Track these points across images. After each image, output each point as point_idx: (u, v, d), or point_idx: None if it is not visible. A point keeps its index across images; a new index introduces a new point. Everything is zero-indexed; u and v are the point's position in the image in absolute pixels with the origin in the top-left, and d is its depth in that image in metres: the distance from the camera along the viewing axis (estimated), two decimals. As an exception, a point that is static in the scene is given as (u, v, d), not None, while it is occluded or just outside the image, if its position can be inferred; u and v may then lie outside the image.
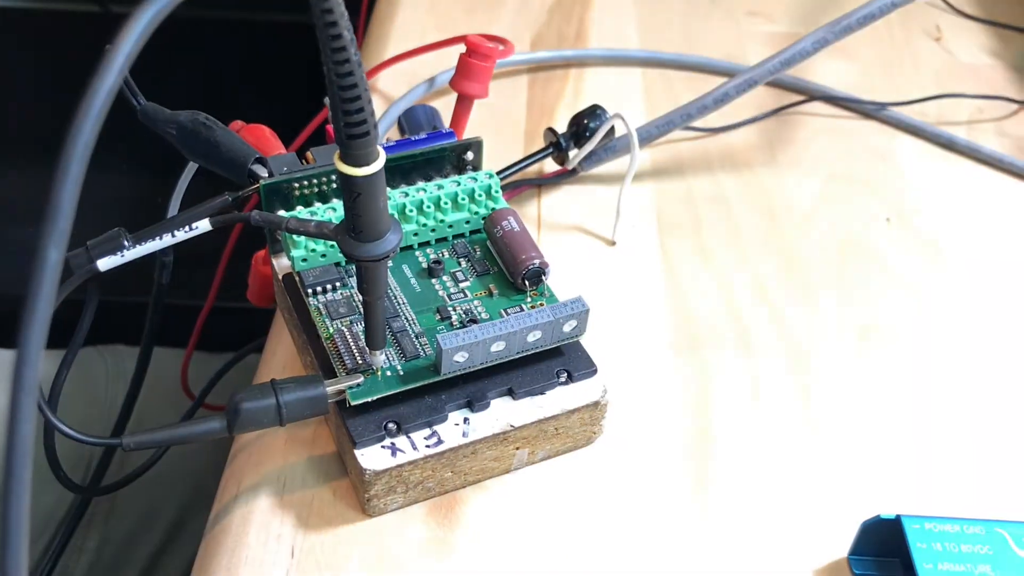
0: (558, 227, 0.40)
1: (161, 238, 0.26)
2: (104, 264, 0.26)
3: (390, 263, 0.32)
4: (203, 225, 0.26)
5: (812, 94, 0.48)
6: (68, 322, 0.33)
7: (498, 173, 0.39)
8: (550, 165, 0.42)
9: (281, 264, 0.33)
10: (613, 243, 0.39)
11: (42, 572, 0.47)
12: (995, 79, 0.50)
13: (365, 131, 0.22)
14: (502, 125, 0.45)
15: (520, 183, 0.41)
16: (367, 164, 0.23)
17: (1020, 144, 0.46)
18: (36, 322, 0.14)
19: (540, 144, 0.41)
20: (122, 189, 0.80)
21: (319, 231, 0.25)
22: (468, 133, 0.36)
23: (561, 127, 0.41)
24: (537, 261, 0.31)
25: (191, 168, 0.37)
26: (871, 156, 0.45)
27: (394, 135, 0.42)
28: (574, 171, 0.41)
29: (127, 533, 0.60)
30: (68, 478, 0.35)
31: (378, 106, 0.45)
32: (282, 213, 0.32)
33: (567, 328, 0.29)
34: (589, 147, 0.39)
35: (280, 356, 0.35)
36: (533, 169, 0.42)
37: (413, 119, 0.41)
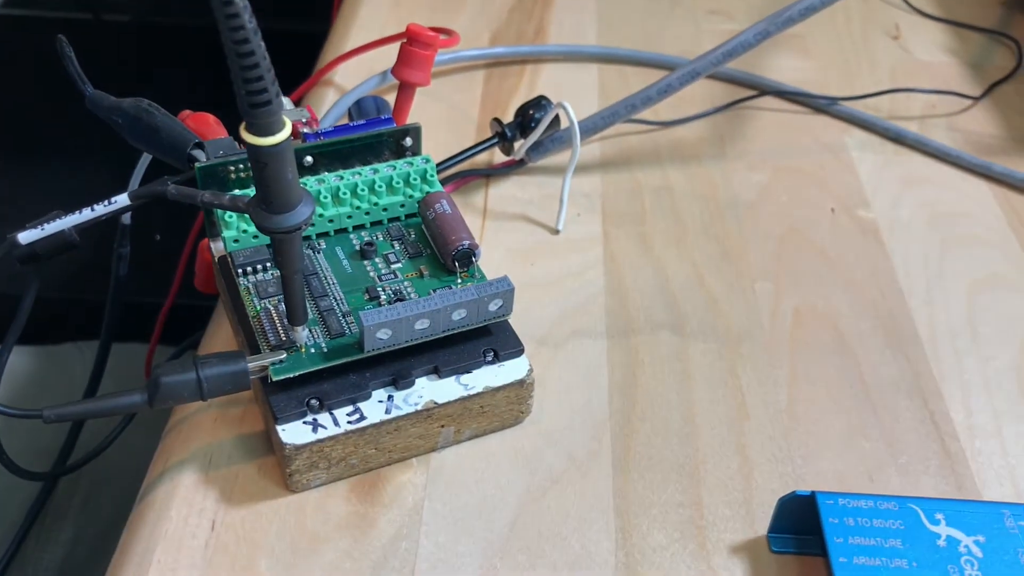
0: (504, 216, 0.40)
1: (80, 212, 0.26)
2: (25, 237, 0.27)
3: (322, 244, 0.33)
4: (121, 199, 0.27)
5: (764, 89, 0.48)
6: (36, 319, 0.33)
7: (442, 163, 0.40)
8: (500, 157, 0.42)
9: (217, 247, 0.33)
10: (557, 232, 0.39)
11: (4, 558, 0.48)
12: (950, 76, 0.51)
13: (267, 100, 0.22)
14: (455, 119, 0.46)
15: (467, 172, 0.41)
16: (271, 134, 0.23)
17: (970, 138, 0.46)
18: None
19: (491, 137, 0.42)
20: (95, 186, 0.81)
21: (233, 204, 0.26)
22: (422, 126, 0.36)
23: (509, 120, 0.41)
24: (467, 242, 0.31)
25: (145, 159, 0.38)
26: (820, 149, 0.45)
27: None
28: (522, 162, 0.41)
29: (103, 525, 0.60)
30: (16, 464, 0.36)
31: (332, 98, 0.46)
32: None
33: (492, 307, 0.30)
34: (534, 137, 0.40)
35: (219, 340, 0.35)
36: (482, 160, 0.42)
37: (363, 109, 0.41)
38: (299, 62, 0.56)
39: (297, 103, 0.46)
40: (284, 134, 0.23)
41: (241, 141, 0.34)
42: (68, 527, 0.59)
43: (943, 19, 0.56)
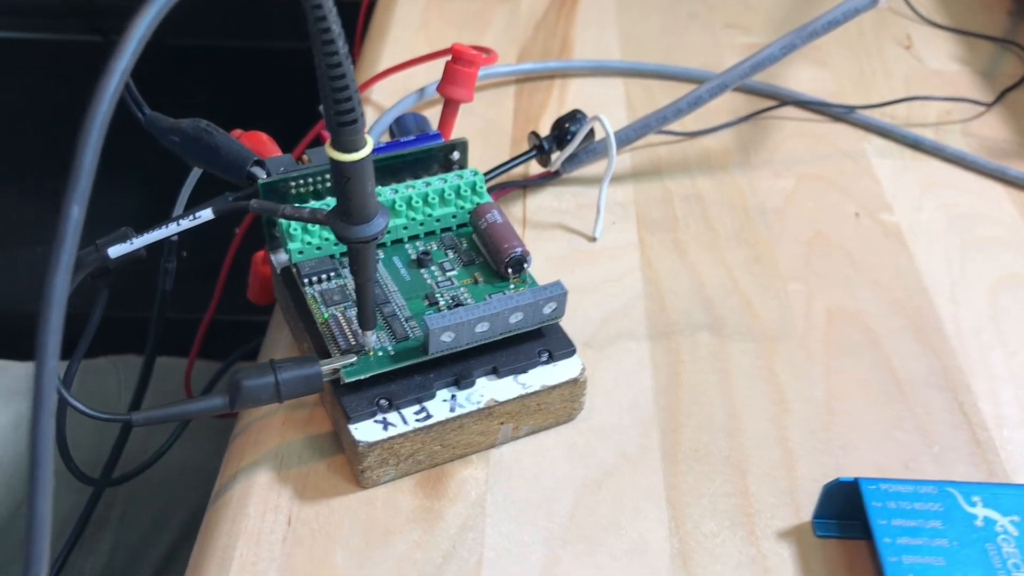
0: (542, 225, 0.42)
1: (167, 227, 0.28)
2: (114, 251, 0.28)
3: (380, 254, 0.34)
4: (206, 214, 0.29)
5: (784, 99, 0.50)
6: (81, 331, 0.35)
7: (484, 175, 0.42)
8: (536, 169, 0.44)
9: (279, 259, 0.35)
10: (594, 239, 0.41)
11: (55, 566, 0.49)
12: (962, 83, 0.53)
13: (353, 119, 0.24)
14: (490, 133, 0.48)
15: (506, 185, 0.43)
16: (356, 150, 0.25)
17: (984, 143, 0.48)
18: (60, 271, 0.16)
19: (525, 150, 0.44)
20: (142, 205, 0.83)
21: (313, 216, 0.27)
22: (456, 137, 0.38)
23: (545, 133, 0.43)
24: (519, 249, 0.33)
25: (195, 174, 0.39)
26: (841, 156, 0.47)
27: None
28: (557, 173, 0.43)
29: (140, 536, 0.62)
30: (79, 469, 0.37)
31: (371, 115, 0.48)
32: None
33: (547, 310, 0.32)
34: (570, 149, 0.42)
35: (280, 349, 0.37)
36: (519, 172, 0.44)
37: (403, 126, 0.43)
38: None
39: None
40: (367, 150, 0.25)
41: (299, 159, 0.36)
42: (108, 536, 0.61)
43: (952, 28, 0.58)
